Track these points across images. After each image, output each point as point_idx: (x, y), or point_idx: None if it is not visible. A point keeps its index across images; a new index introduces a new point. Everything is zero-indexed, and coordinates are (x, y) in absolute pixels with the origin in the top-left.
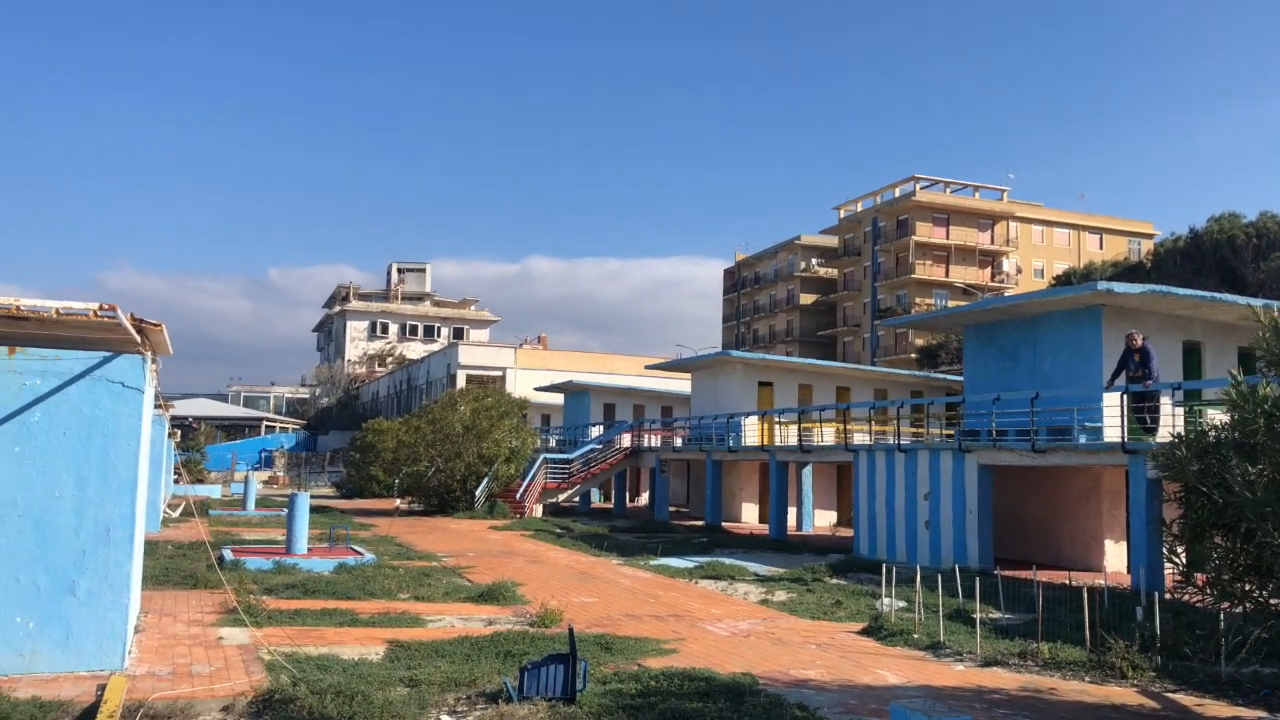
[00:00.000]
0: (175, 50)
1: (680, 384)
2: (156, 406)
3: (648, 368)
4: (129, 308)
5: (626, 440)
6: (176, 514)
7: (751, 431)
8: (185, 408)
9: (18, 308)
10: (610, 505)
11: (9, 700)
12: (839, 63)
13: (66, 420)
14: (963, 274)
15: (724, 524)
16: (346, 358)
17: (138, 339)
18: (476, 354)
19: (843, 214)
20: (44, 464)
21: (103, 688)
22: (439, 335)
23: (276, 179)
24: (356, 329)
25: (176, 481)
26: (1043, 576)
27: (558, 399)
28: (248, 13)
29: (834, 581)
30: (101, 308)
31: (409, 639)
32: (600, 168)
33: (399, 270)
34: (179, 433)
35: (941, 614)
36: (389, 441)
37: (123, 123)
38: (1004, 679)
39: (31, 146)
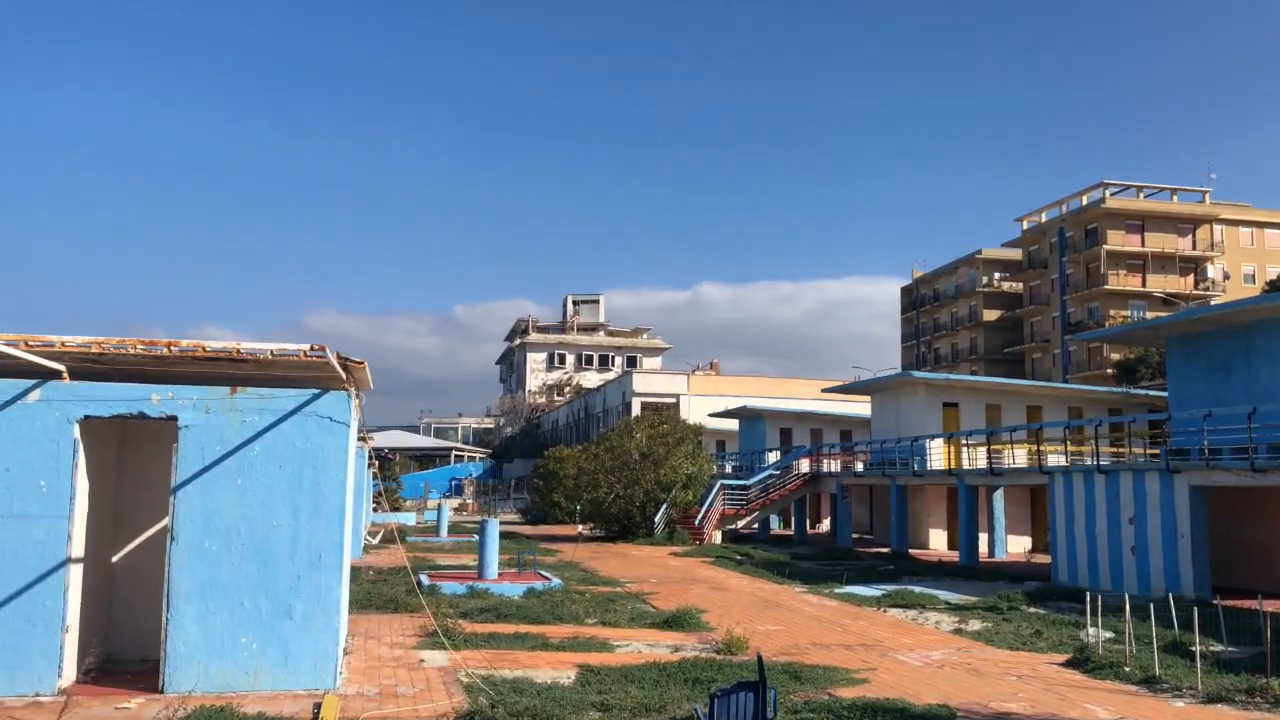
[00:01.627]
0: (368, 107)
1: (859, 407)
2: (359, 439)
3: (825, 391)
4: (332, 347)
5: (805, 465)
6: (376, 541)
7: (937, 454)
8: (382, 439)
9: (238, 350)
10: (790, 532)
11: (239, 715)
12: (1014, 66)
13: (282, 454)
14: (1161, 283)
15: (910, 551)
16: (527, 388)
17: (343, 376)
18: (650, 381)
19: (1026, 225)
20: (263, 495)
21: (318, 706)
22: (613, 364)
23: (461, 220)
24: (536, 360)
25: (375, 510)
26: (1270, 606)
27: (732, 425)
28: (418, 62)
29: (1032, 610)
30: (312, 348)
31: (599, 664)
32: (769, 190)
33: (574, 302)
34: (378, 463)
35: (1155, 645)
36: (570, 469)
37: (326, 174)
38: (1230, 717)
39: (244, 198)
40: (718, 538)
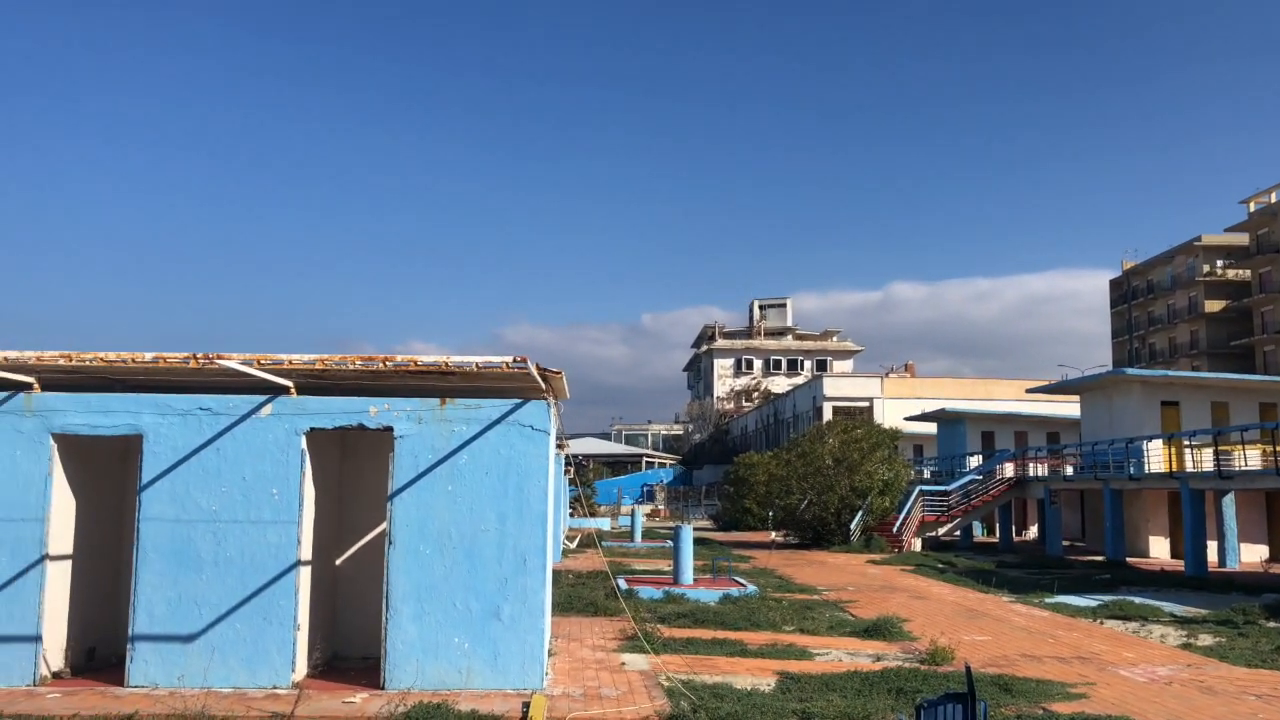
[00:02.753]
0: (552, 123)
1: (1067, 407)
2: (557, 446)
3: (1029, 391)
4: (529, 359)
5: (1009, 470)
6: (574, 545)
7: (1156, 456)
8: (576, 446)
9: (446, 364)
10: (994, 539)
11: (454, 712)
12: (1234, 31)
13: (487, 461)
14: None
15: (1127, 559)
16: (715, 394)
17: (543, 386)
18: (841, 385)
19: (1253, 207)
20: (471, 500)
21: (527, 705)
22: (802, 368)
23: (647, 230)
24: (723, 366)
25: (572, 515)
26: None
27: (929, 428)
28: (600, 77)
29: (1272, 625)
30: (514, 360)
31: (798, 671)
32: (962, 183)
33: (760, 307)
34: (573, 469)
35: None
36: (760, 475)
37: (516, 191)
38: None
39: (443, 217)
40: (917, 545)
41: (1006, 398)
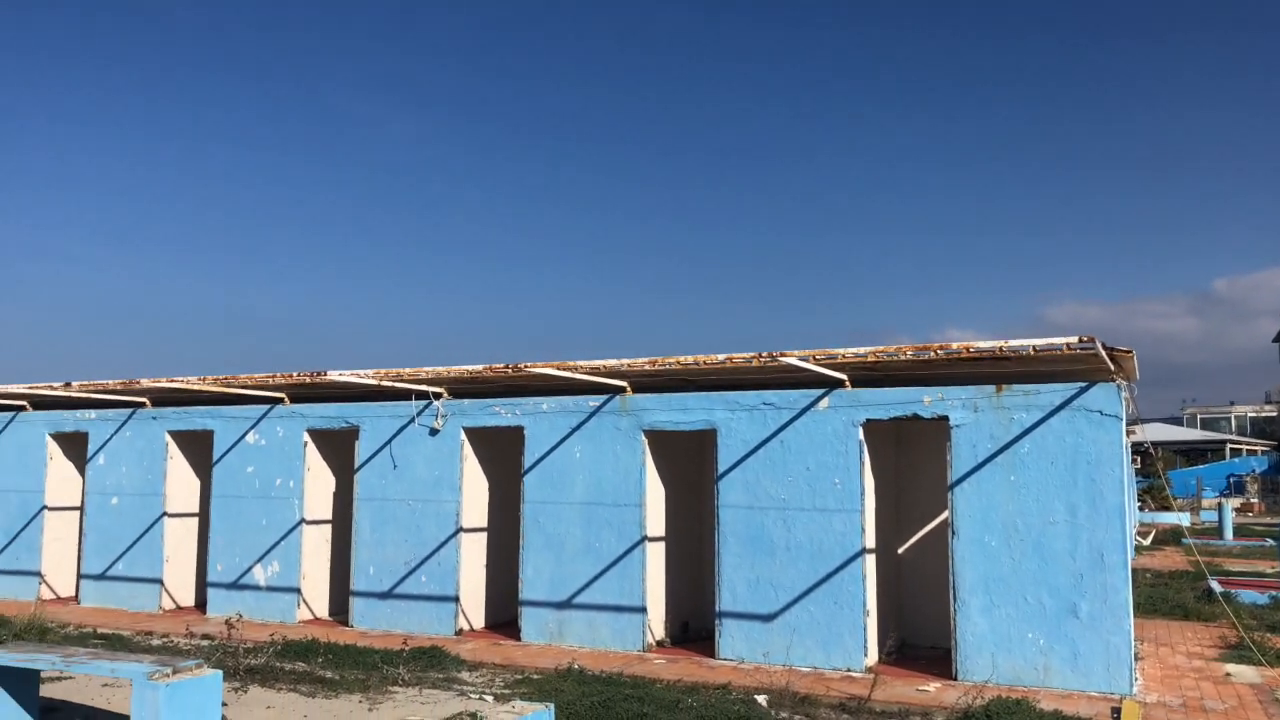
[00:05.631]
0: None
1: None
2: (1126, 433)
3: None
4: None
5: None
6: (1147, 541)
7: None
8: (1139, 433)
9: (1001, 349)
10: None
11: (1036, 710)
12: None
13: (1051, 449)
14: None
15: None
16: None
17: (1111, 367)
18: None
19: None
20: (1035, 491)
21: (1116, 711)
22: None
23: (1215, 182)
24: None
25: (1141, 509)
26: None
27: None
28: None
29: None
30: (1080, 340)
31: None
32: None
33: None
34: (1138, 459)
35: None
36: None
37: (1025, 160)
38: None
39: (974, 200)
40: None
41: None
